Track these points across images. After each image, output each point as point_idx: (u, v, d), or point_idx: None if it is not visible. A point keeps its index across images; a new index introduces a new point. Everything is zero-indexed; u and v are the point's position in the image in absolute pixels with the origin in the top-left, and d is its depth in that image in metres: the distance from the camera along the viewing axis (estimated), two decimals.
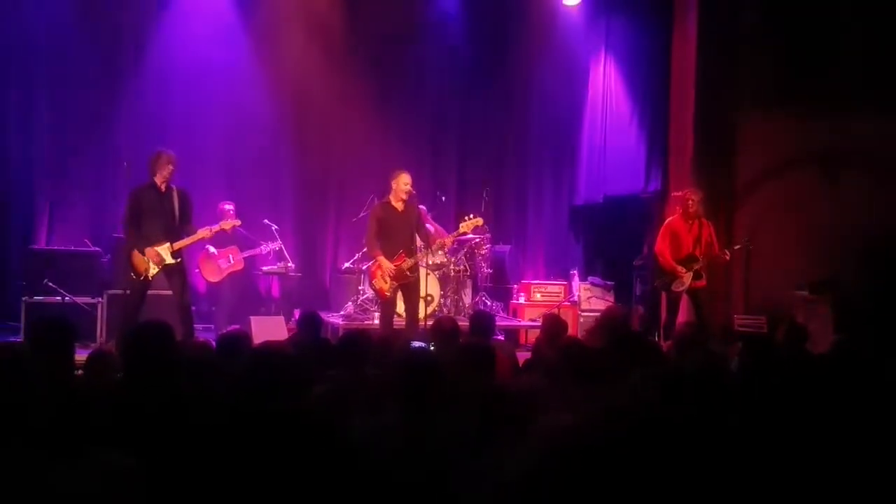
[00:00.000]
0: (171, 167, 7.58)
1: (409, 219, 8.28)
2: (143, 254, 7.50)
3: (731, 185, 9.82)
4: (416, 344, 5.17)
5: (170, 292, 7.88)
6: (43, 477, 2.33)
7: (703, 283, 8.66)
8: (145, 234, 7.56)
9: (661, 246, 8.69)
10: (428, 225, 10.18)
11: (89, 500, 2.34)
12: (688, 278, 8.53)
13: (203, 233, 7.84)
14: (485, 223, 10.73)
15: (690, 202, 8.56)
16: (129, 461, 2.48)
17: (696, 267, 8.52)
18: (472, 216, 8.92)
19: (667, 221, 8.90)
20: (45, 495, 2.31)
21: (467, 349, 4.28)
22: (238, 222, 8.46)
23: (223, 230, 8.06)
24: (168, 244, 7.55)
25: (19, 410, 2.42)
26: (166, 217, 7.58)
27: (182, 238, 7.67)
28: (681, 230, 8.62)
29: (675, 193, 9.93)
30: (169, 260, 7.56)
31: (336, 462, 2.62)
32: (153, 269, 7.54)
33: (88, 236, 9.91)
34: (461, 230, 8.85)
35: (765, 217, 9.59)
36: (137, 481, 2.46)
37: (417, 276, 8.33)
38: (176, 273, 7.68)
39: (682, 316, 8.91)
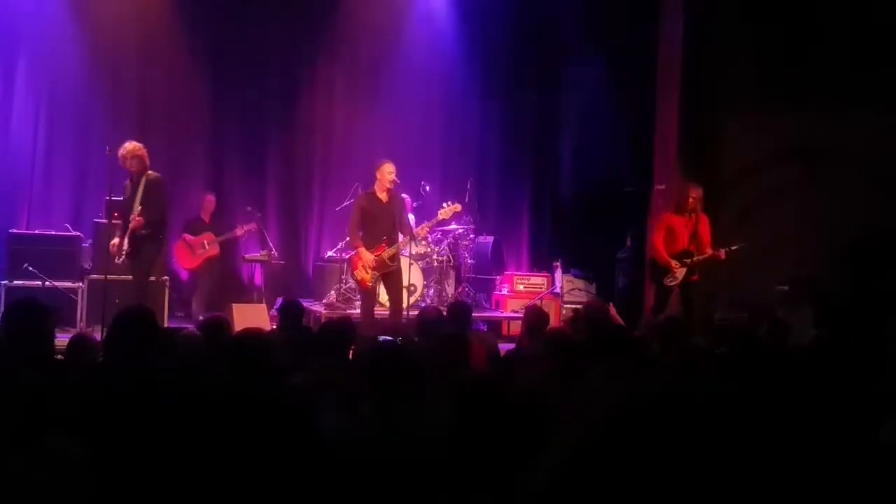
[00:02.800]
0: (128, 163, 7.68)
1: (392, 209, 8.30)
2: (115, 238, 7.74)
3: (714, 181, 9.83)
4: (384, 338, 5.14)
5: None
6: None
7: (696, 277, 8.62)
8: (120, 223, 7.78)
9: (657, 240, 8.68)
10: (411, 215, 10.21)
11: (36, 487, 2.33)
12: (680, 273, 8.51)
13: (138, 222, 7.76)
14: (469, 214, 10.77)
15: (691, 199, 8.46)
16: (79, 449, 2.46)
17: (690, 262, 8.49)
18: (450, 203, 8.95)
19: (663, 216, 8.87)
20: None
21: (442, 339, 4.28)
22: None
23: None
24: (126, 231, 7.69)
25: None
26: (127, 207, 7.73)
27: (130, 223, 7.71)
28: (677, 225, 8.58)
29: (658, 187, 9.96)
30: (125, 247, 7.69)
31: (307, 452, 2.61)
32: (122, 255, 7.71)
33: (69, 221, 9.86)
34: (440, 216, 8.92)
35: (747, 213, 9.63)
36: (86, 469, 2.44)
37: (399, 266, 8.33)
38: (133, 251, 7.74)
39: (670, 310, 8.94)
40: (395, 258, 8.27)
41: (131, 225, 7.64)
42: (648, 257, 9.20)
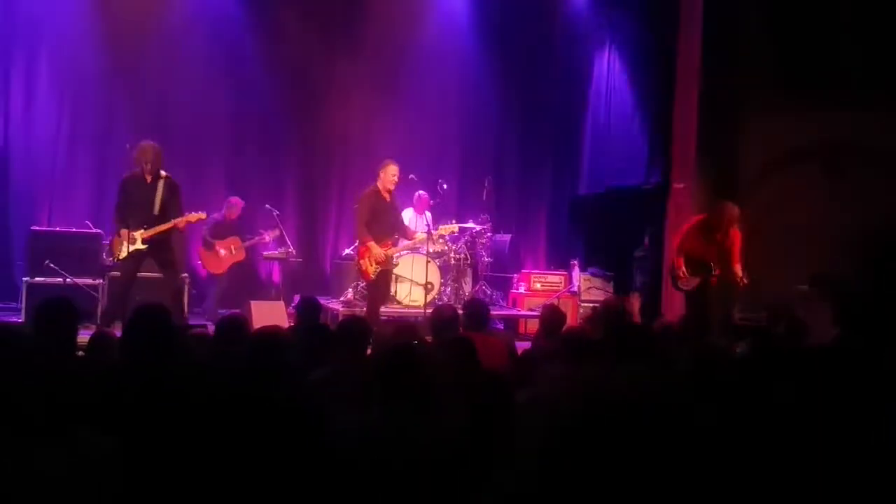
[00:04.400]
0: (147, 164, 7.69)
1: (395, 209, 8.61)
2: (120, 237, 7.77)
3: (733, 179, 9.78)
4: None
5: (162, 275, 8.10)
6: (22, 458, 2.33)
7: (714, 280, 8.41)
8: (125, 219, 7.78)
9: (677, 243, 8.54)
10: (427, 212, 10.26)
11: (68, 480, 2.35)
12: (693, 283, 8.36)
13: (176, 222, 7.89)
14: (486, 212, 10.81)
15: (727, 220, 8.12)
16: (109, 441, 2.48)
17: (707, 276, 8.27)
18: (453, 221, 9.80)
19: (694, 220, 8.67)
20: (24, 476, 2.31)
21: (449, 343, 4.31)
22: (203, 215, 8.41)
23: (189, 222, 8.09)
24: (142, 231, 7.69)
25: (8, 392, 2.42)
26: (146, 207, 7.73)
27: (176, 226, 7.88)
28: (705, 236, 8.34)
29: (677, 186, 9.90)
30: (138, 245, 7.70)
31: (315, 451, 2.62)
32: (123, 253, 7.74)
33: (90, 218, 9.93)
34: (440, 231, 9.46)
35: (767, 211, 9.56)
36: (116, 461, 2.46)
37: (392, 266, 8.66)
38: (160, 259, 7.91)
39: (681, 310, 8.90)
40: (392, 258, 8.54)
41: (181, 228, 7.90)
42: (669, 259, 9.12)
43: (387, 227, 8.45)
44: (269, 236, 10.31)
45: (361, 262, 8.44)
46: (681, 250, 8.44)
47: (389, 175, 8.35)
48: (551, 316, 5.97)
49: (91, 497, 2.37)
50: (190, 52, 10.66)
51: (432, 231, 9.19)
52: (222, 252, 10.04)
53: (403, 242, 8.83)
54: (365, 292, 9.98)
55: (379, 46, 11.44)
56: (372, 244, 8.27)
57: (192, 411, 2.92)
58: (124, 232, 7.69)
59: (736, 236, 8.32)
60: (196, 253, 10.30)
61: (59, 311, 4.13)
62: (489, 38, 11.90)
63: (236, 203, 10.27)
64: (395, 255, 8.53)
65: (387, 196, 8.43)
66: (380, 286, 8.51)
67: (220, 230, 10.13)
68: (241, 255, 10.16)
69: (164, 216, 7.76)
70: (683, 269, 8.36)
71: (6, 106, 10.11)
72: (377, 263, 8.29)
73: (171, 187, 7.85)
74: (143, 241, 7.74)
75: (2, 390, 2.41)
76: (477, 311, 5.80)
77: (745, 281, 8.17)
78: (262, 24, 11.06)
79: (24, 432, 2.37)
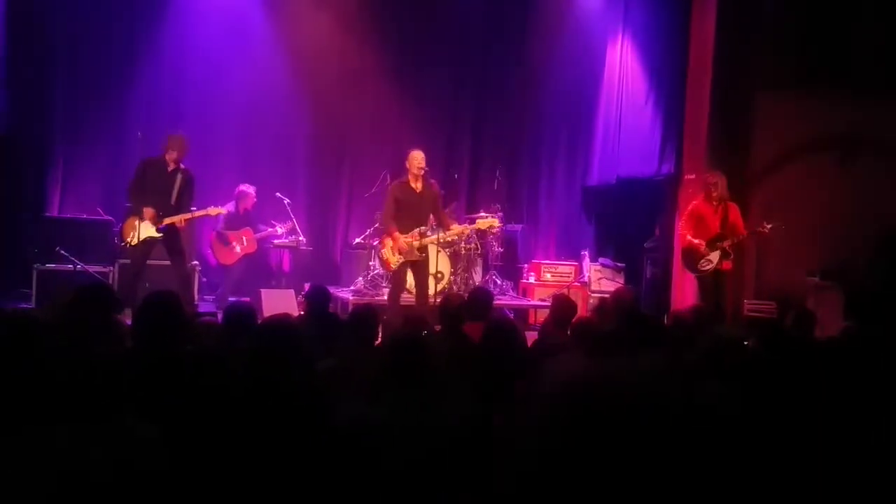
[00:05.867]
0: (174, 152, 7.93)
1: (425, 199, 8.35)
2: (134, 221, 7.89)
3: (745, 169, 9.74)
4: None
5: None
6: (72, 445, 2.35)
7: (729, 264, 8.51)
8: (139, 204, 7.93)
9: (683, 229, 8.61)
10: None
11: (118, 466, 2.36)
12: (715, 257, 8.41)
13: (188, 214, 8.07)
14: (497, 202, 10.79)
15: (713, 186, 8.43)
16: (152, 428, 2.50)
17: (724, 245, 8.39)
18: (491, 216, 9.47)
19: (691, 205, 8.78)
20: (75, 463, 2.33)
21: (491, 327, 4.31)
22: (223, 211, 8.54)
23: (209, 216, 8.21)
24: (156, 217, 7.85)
25: (38, 379, 2.44)
26: (164, 195, 7.90)
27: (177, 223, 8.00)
28: (706, 213, 8.49)
29: (689, 177, 9.87)
30: (152, 233, 7.86)
31: (321, 440, 2.62)
32: (134, 239, 7.85)
33: (101, 205, 9.95)
34: (478, 225, 9.24)
35: (778, 201, 9.51)
36: (161, 449, 2.48)
37: (427, 256, 8.37)
38: (170, 247, 8.02)
39: (693, 299, 8.89)
40: (424, 249, 8.32)
41: (180, 225, 7.93)
42: (678, 247, 9.13)
43: (413, 217, 8.24)
44: (281, 228, 10.31)
45: (383, 251, 8.36)
46: (684, 231, 8.58)
47: (414, 163, 8.17)
48: (562, 305, 5.91)
49: (137, 485, 2.39)
50: (203, 41, 10.65)
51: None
52: (237, 248, 10.07)
53: (434, 234, 8.54)
54: (375, 281, 10.03)
55: (391, 35, 11.41)
56: (396, 234, 8.17)
57: (204, 398, 2.93)
58: (147, 212, 7.83)
59: (733, 207, 8.52)
60: (208, 242, 10.30)
61: (95, 299, 4.16)
62: (503, 27, 11.84)
63: (247, 191, 10.20)
64: (418, 246, 8.21)
65: (417, 186, 8.24)
66: (401, 278, 8.37)
67: (234, 222, 10.12)
68: (253, 248, 10.16)
69: (178, 206, 7.93)
70: (699, 241, 8.36)
71: (18, 92, 10.10)
72: (399, 253, 8.20)
73: (187, 179, 8.03)
74: (158, 230, 7.79)
75: (29, 380, 2.42)
76: (479, 300, 5.76)
77: (766, 230, 8.38)
78: (275, 13, 11.03)
79: (70, 420, 2.39)
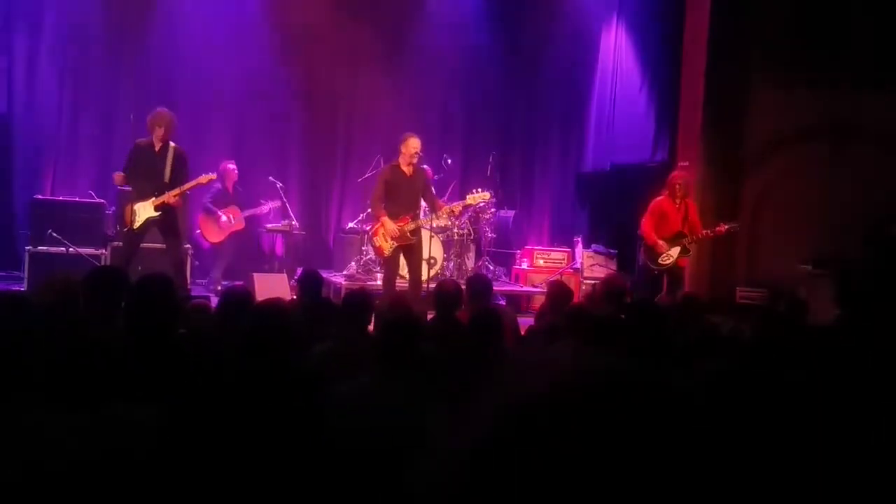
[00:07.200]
0: (160, 129, 7.76)
1: (416, 183, 8.30)
2: (132, 205, 7.80)
3: (739, 156, 9.76)
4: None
5: (164, 246, 8.10)
6: (61, 430, 2.34)
7: (686, 261, 8.75)
8: (135, 188, 7.83)
9: (646, 224, 8.74)
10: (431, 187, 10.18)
11: (108, 452, 2.36)
12: (675, 252, 8.59)
13: (189, 185, 7.98)
14: (490, 188, 10.75)
15: (678, 186, 8.64)
16: (143, 412, 2.49)
17: (685, 242, 8.60)
18: (480, 189, 9.11)
19: (654, 201, 8.89)
20: (63, 448, 2.32)
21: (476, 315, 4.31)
22: (213, 176, 8.43)
23: (200, 184, 8.12)
24: (153, 198, 7.74)
25: (31, 362, 2.43)
26: (157, 174, 7.79)
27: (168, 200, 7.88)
28: (669, 210, 8.69)
29: (682, 164, 9.87)
30: (150, 213, 7.77)
31: (314, 424, 2.62)
32: (137, 223, 7.77)
33: (93, 188, 9.92)
34: (468, 201, 8.99)
35: (772, 189, 9.53)
36: (152, 433, 2.47)
37: (420, 239, 8.35)
38: (165, 227, 7.93)
39: (685, 287, 8.92)
40: (416, 232, 8.27)
41: (172, 203, 7.80)
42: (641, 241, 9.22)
43: (404, 202, 8.18)
44: (268, 206, 10.26)
45: (375, 238, 8.29)
46: (650, 228, 8.70)
47: (410, 148, 8.11)
48: (559, 292, 5.97)
49: (130, 470, 2.38)
50: (194, 21, 10.60)
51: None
52: (223, 218, 10.00)
53: (425, 217, 8.54)
54: (368, 266, 10.02)
55: (385, 18, 11.36)
56: (385, 219, 8.09)
57: (197, 382, 2.93)
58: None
59: (692, 206, 8.77)
60: (196, 221, 10.22)
61: (106, 282, 4.14)
62: (496, 12, 11.81)
63: (225, 170, 10.07)
64: (409, 230, 8.21)
65: (408, 170, 8.18)
66: (395, 263, 8.30)
67: (222, 199, 10.11)
68: (241, 225, 10.13)
69: (173, 184, 7.83)
70: (659, 240, 8.50)
71: (9, 75, 10.06)
72: (392, 239, 8.15)
73: (179, 156, 7.92)
74: (156, 209, 7.77)
75: (22, 362, 2.41)
76: (479, 286, 5.78)
77: (722, 230, 8.57)
78: None
79: (56, 405, 2.38)
